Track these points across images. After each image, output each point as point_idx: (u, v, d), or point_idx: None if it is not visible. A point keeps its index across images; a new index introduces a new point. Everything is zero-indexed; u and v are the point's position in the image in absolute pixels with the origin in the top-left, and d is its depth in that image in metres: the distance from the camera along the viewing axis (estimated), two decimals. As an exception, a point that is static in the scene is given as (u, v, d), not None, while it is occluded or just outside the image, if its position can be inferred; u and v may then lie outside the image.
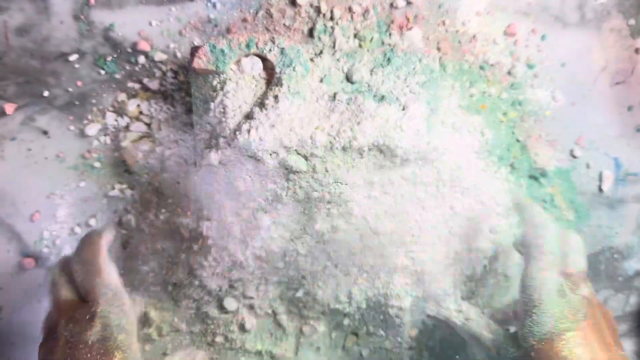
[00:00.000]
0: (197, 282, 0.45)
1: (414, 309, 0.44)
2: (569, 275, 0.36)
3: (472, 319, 0.42)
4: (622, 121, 0.49)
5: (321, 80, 0.41)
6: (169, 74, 0.46)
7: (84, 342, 0.32)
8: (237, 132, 0.38)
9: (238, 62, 0.40)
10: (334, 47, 0.44)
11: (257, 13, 0.45)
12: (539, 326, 0.34)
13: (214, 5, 0.46)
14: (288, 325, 0.47)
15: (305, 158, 0.38)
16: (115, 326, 0.33)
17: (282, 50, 0.40)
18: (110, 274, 0.36)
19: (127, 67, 0.46)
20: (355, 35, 0.45)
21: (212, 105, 0.40)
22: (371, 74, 0.41)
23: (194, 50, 0.40)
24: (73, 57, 0.45)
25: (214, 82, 0.40)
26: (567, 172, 0.49)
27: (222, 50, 0.39)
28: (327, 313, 0.46)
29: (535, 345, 0.34)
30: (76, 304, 0.35)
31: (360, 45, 0.45)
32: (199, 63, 0.39)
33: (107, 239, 0.38)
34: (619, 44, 0.48)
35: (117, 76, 0.46)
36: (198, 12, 0.46)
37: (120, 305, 0.35)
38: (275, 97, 0.39)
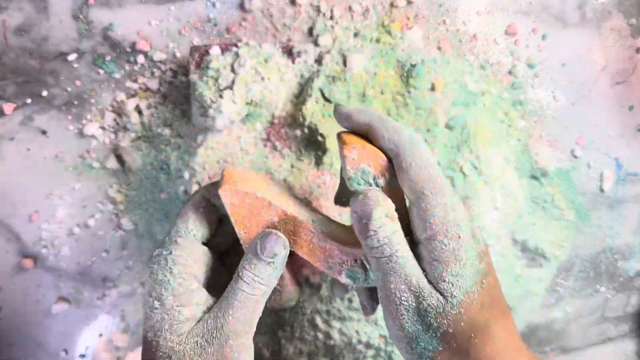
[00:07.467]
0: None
1: None
2: None
3: None
4: (622, 121, 0.49)
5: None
6: (169, 73, 0.46)
7: None
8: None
9: (234, 63, 0.40)
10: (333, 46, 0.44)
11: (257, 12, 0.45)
12: None
13: (214, 5, 0.45)
14: None
15: None
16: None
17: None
18: None
19: (127, 67, 0.46)
20: (355, 35, 0.45)
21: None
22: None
23: (194, 50, 0.39)
24: (72, 57, 0.45)
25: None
26: (568, 172, 0.49)
27: None
28: None
29: None
30: None
31: (360, 45, 0.44)
32: None
33: None
34: (619, 44, 0.48)
35: (116, 76, 0.46)
36: (197, 11, 0.45)
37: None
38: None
